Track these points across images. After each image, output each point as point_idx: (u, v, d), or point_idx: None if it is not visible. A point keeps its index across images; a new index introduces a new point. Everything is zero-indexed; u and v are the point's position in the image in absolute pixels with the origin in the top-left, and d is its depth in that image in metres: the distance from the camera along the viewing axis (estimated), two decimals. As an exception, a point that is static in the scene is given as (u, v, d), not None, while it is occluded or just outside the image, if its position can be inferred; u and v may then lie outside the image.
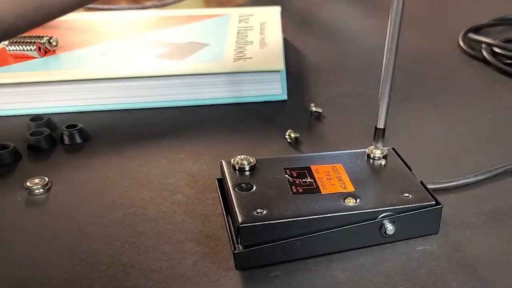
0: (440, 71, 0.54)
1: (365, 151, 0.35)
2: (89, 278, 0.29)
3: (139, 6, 0.64)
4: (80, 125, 0.42)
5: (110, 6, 0.62)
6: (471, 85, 0.51)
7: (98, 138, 0.43)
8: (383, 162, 0.34)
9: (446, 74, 0.53)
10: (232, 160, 0.34)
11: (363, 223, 0.30)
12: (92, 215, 0.34)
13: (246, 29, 0.55)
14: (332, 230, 0.30)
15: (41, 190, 0.36)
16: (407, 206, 0.31)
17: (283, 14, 0.61)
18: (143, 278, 0.29)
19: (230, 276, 0.29)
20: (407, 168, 0.34)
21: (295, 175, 0.33)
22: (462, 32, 0.61)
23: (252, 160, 0.34)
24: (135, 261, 0.30)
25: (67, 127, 0.42)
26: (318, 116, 0.45)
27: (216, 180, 0.35)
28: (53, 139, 0.42)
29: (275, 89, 0.48)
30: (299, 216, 0.29)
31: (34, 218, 0.34)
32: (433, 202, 0.31)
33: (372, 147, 0.35)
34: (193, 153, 0.40)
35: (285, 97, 0.48)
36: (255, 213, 0.29)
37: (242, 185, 0.32)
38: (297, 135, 0.41)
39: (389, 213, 0.30)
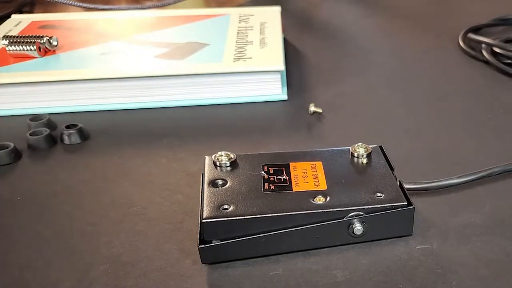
0: (440, 71, 0.54)
1: (349, 149, 0.35)
2: (89, 278, 0.29)
3: (139, 6, 0.64)
4: (80, 125, 0.42)
5: (110, 6, 0.62)
6: (471, 85, 0.51)
7: (98, 138, 0.43)
8: (364, 160, 0.34)
9: (446, 74, 0.53)
10: (213, 156, 0.34)
11: (329, 222, 0.30)
12: (92, 214, 0.34)
13: (246, 29, 0.55)
14: (297, 228, 0.30)
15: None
16: (377, 206, 0.30)
17: (283, 14, 0.61)
18: (143, 277, 0.29)
19: (230, 275, 0.29)
20: (388, 168, 0.33)
21: (271, 171, 0.33)
22: (462, 32, 0.61)
23: (232, 156, 0.34)
24: (134, 260, 0.30)
25: (67, 127, 0.42)
26: (318, 116, 0.45)
27: (201, 175, 0.35)
28: (53, 139, 0.42)
29: (275, 89, 0.48)
30: (263, 213, 0.29)
31: (34, 218, 0.34)
32: (405, 203, 0.30)
33: (356, 145, 0.35)
34: (193, 153, 0.40)
35: (285, 97, 0.48)
36: (221, 209, 0.29)
37: (218, 180, 0.32)
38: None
39: (357, 212, 0.30)
